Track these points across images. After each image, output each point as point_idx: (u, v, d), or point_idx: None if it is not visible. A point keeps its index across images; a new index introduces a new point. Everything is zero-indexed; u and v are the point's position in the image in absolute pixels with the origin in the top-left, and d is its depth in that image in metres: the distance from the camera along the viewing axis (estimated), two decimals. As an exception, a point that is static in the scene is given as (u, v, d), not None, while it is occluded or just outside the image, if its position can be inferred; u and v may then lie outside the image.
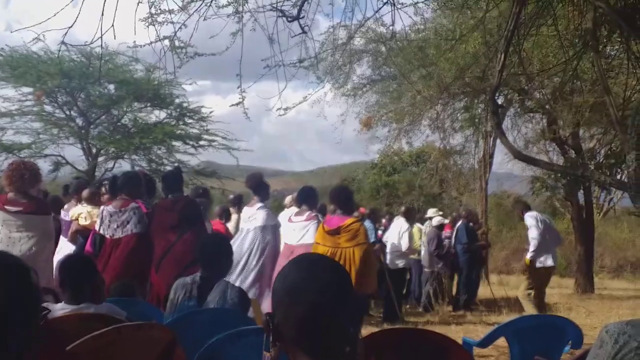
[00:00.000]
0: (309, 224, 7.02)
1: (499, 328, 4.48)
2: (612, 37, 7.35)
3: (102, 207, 6.28)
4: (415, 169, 27.22)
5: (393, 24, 6.64)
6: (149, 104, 20.36)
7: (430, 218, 12.24)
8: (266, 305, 6.31)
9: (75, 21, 4.68)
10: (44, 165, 18.21)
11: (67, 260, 3.85)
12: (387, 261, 10.30)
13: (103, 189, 7.58)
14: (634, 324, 1.72)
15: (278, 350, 1.58)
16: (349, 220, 6.59)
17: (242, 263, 6.93)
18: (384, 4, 6.01)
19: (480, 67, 9.90)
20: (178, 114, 20.59)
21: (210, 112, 20.74)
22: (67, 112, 19.94)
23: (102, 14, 4.71)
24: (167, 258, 5.83)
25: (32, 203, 5.37)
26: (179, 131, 20.25)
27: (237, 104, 6.31)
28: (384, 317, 10.01)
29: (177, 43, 5.91)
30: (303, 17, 5.83)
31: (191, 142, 20.36)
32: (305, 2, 5.81)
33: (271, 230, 7.17)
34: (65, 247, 7.03)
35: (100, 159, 20.20)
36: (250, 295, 6.58)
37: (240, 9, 5.82)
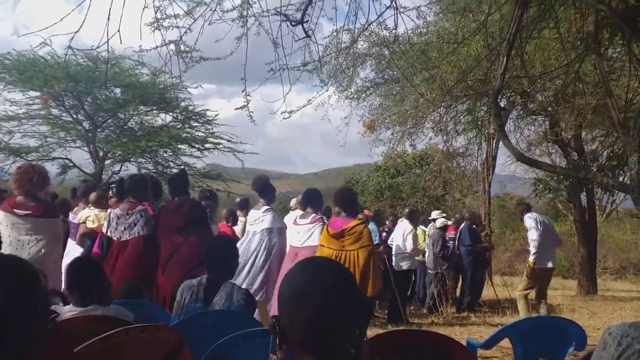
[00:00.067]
0: (314, 226, 7.04)
1: (502, 329, 4.51)
2: (614, 39, 7.38)
3: (109, 210, 6.30)
4: (418, 171, 27.18)
5: (396, 27, 6.63)
6: (154, 108, 20.35)
7: (434, 220, 12.28)
8: (274, 308, 6.34)
9: (81, 26, 4.74)
10: (52, 168, 18.25)
11: (75, 263, 3.87)
12: (392, 263, 10.35)
13: (110, 192, 7.62)
14: (637, 326, 1.72)
15: (284, 353, 1.59)
16: (353, 223, 6.61)
17: (248, 265, 6.94)
18: (387, 8, 6.06)
19: (482, 70, 9.92)
20: (184, 117, 20.58)
21: (216, 116, 20.75)
22: (74, 116, 19.96)
23: (109, 19, 4.77)
24: (173, 260, 5.85)
25: (41, 206, 5.38)
26: (184, 134, 20.27)
27: (242, 108, 6.35)
28: (388, 318, 10.06)
29: (182, 47, 5.96)
30: (307, 21, 5.87)
31: (197, 145, 20.37)
32: (309, 7, 5.86)
33: (277, 232, 7.18)
34: (73, 250, 7.07)
35: (107, 162, 20.21)
36: (258, 297, 6.63)
37: (245, 13, 5.86)
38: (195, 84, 19.65)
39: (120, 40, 4.85)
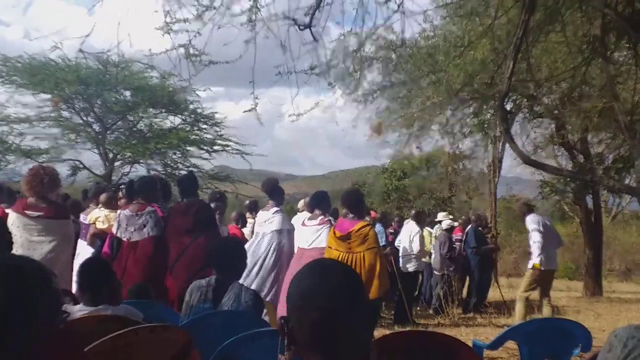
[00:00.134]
0: (322, 228, 7.05)
1: (508, 331, 4.53)
2: (620, 43, 7.38)
3: (118, 211, 6.36)
4: (425, 173, 27.18)
5: (403, 31, 6.67)
6: (164, 110, 20.49)
7: (440, 222, 12.30)
8: (282, 309, 6.38)
9: (92, 29, 4.81)
10: (62, 170, 18.37)
11: (86, 263, 3.92)
12: (400, 265, 10.38)
13: (120, 193, 7.68)
14: None
15: (292, 354, 1.62)
16: (359, 225, 6.63)
17: (257, 266, 6.97)
18: (395, 12, 6.09)
19: (489, 73, 9.92)
20: (192, 119, 20.70)
21: (224, 118, 20.91)
22: (84, 118, 20.10)
23: (119, 23, 4.84)
24: (181, 261, 5.88)
25: (52, 207, 5.43)
26: (193, 136, 20.40)
27: (250, 110, 6.38)
28: (394, 319, 10.08)
29: (191, 51, 5.99)
30: (315, 26, 5.91)
31: (205, 147, 20.49)
32: (317, 11, 5.90)
33: (287, 234, 7.21)
34: (84, 251, 7.12)
35: (116, 163, 20.33)
36: (268, 299, 6.67)
37: (254, 17, 5.89)
38: (204, 86, 19.78)
39: (131, 44, 4.92)
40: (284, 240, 7.12)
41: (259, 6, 5.85)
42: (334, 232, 6.66)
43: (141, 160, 20.07)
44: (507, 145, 14.48)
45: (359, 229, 6.57)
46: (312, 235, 7.08)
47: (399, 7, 5.96)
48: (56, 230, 5.40)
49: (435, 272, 11.62)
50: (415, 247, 10.35)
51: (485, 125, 15.05)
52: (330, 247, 6.62)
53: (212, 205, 7.70)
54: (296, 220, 8.23)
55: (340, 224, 6.84)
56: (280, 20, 5.83)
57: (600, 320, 10.16)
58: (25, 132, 18.67)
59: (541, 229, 8.75)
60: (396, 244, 10.97)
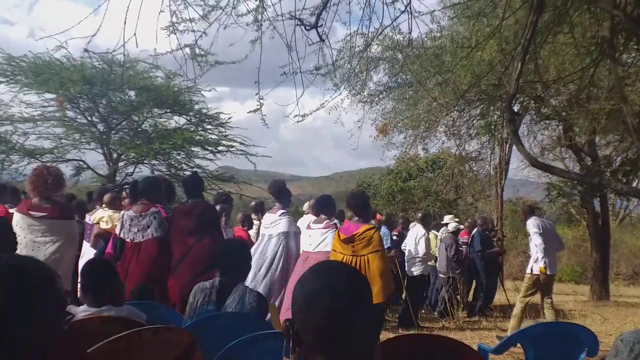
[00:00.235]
0: (327, 231, 7.03)
1: (514, 334, 4.51)
2: (629, 45, 7.35)
3: (122, 212, 6.34)
4: (431, 175, 27.14)
5: (410, 31, 6.62)
6: (168, 110, 20.54)
7: (446, 224, 12.25)
8: (286, 311, 6.37)
9: (98, 29, 4.79)
10: (66, 170, 18.38)
11: (89, 264, 3.91)
12: (405, 268, 10.34)
13: (124, 194, 7.67)
14: None
15: (297, 356, 1.60)
16: (363, 228, 6.59)
17: (264, 269, 6.97)
18: (402, 12, 6.06)
19: (496, 74, 9.90)
20: (197, 120, 20.73)
21: (229, 118, 20.89)
22: (89, 118, 20.16)
23: (125, 22, 4.82)
24: (184, 262, 5.87)
25: (56, 208, 5.40)
26: (198, 137, 20.40)
27: (255, 111, 6.37)
28: (399, 322, 10.04)
29: (197, 51, 5.98)
30: (321, 26, 5.90)
31: (210, 148, 20.50)
32: (323, 11, 5.88)
33: (294, 236, 7.23)
34: (88, 252, 7.12)
35: (120, 163, 20.38)
36: (276, 301, 6.65)
37: (260, 17, 5.89)
38: (209, 87, 19.83)
39: (136, 44, 4.90)
40: (291, 243, 7.14)
41: (265, 6, 5.84)
42: (339, 235, 6.64)
43: (145, 161, 20.09)
44: (514, 147, 14.42)
45: (363, 232, 6.53)
46: (317, 238, 7.07)
47: (406, 7, 5.94)
48: (60, 230, 5.36)
49: (441, 275, 11.57)
50: (421, 250, 10.30)
51: (492, 127, 15.02)
52: (335, 250, 6.60)
53: (218, 207, 7.68)
54: (302, 222, 8.21)
55: (345, 227, 6.82)
56: (287, 20, 5.84)
57: (606, 324, 10.12)
58: (29, 131, 18.76)
59: (541, 232, 8.65)
60: (402, 247, 10.93)
